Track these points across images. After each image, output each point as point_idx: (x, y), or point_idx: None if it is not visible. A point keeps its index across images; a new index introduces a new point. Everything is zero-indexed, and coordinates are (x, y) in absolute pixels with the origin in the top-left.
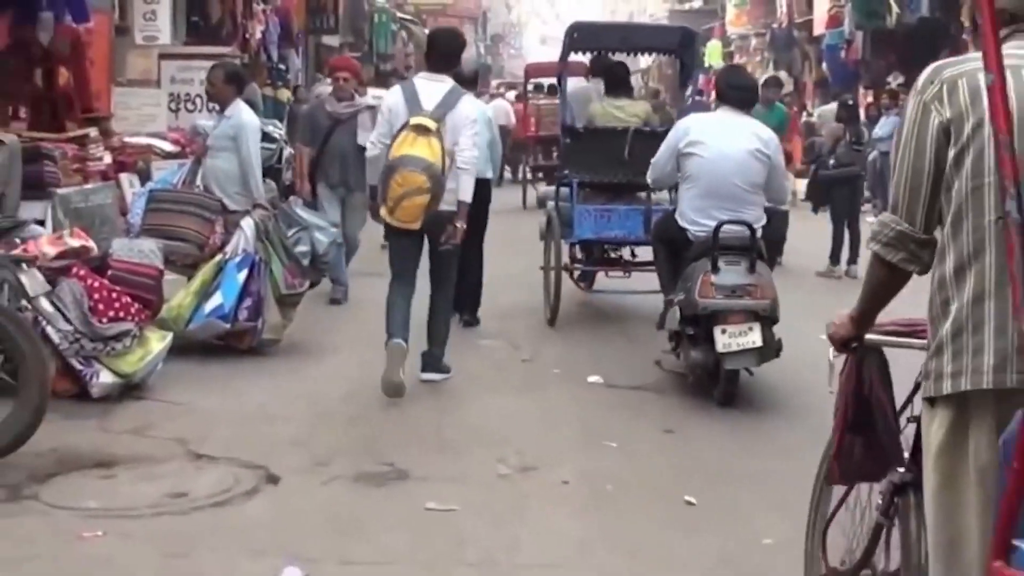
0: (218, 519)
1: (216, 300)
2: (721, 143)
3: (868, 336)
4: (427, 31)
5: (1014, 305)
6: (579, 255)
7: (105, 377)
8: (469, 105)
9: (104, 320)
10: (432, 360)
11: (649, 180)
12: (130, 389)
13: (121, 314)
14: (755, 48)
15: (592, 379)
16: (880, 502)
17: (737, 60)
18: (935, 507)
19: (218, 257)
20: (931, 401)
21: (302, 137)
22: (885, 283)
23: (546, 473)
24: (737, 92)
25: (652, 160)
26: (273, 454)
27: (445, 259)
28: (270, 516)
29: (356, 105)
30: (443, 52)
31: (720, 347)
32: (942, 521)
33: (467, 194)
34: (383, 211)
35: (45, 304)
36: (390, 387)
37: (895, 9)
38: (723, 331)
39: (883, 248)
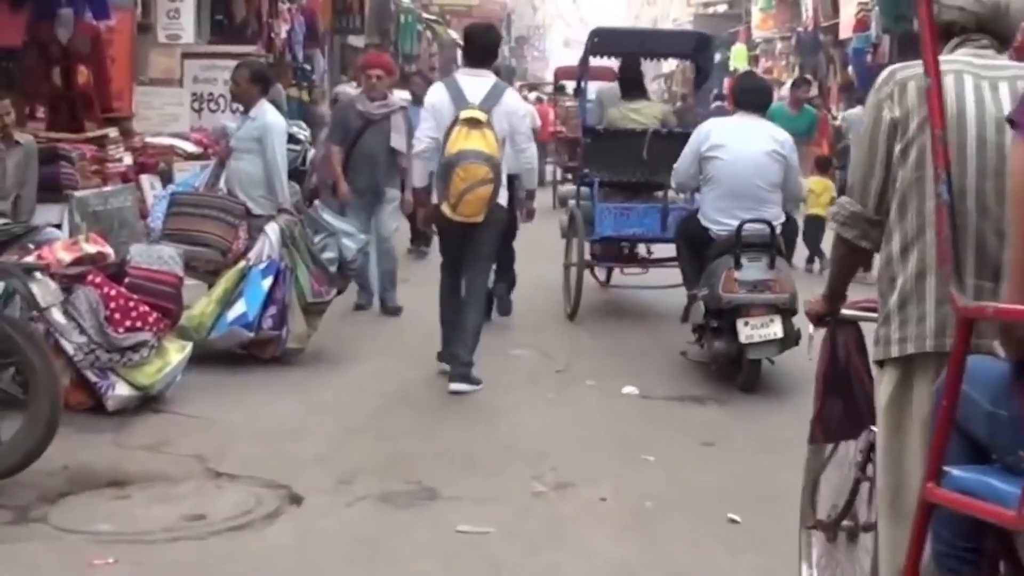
0: (237, 545)
1: (239, 308)
2: (741, 146)
3: (843, 312)
4: (450, 31)
5: (943, 272)
6: (599, 252)
7: (121, 389)
8: (515, 98)
9: (121, 330)
10: (462, 371)
11: (673, 184)
12: (147, 402)
13: (139, 324)
14: (780, 52)
15: (627, 390)
16: (858, 459)
17: (763, 64)
18: (884, 454)
19: (241, 263)
20: (880, 363)
21: (332, 137)
22: (845, 258)
23: (583, 490)
24: (751, 96)
25: (675, 166)
26: (296, 472)
27: (481, 255)
28: (292, 541)
29: (390, 105)
30: (482, 46)
31: (743, 338)
32: (890, 465)
33: (534, 183)
34: (445, 207)
35: (57, 315)
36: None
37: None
38: (746, 323)
39: (840, 227)
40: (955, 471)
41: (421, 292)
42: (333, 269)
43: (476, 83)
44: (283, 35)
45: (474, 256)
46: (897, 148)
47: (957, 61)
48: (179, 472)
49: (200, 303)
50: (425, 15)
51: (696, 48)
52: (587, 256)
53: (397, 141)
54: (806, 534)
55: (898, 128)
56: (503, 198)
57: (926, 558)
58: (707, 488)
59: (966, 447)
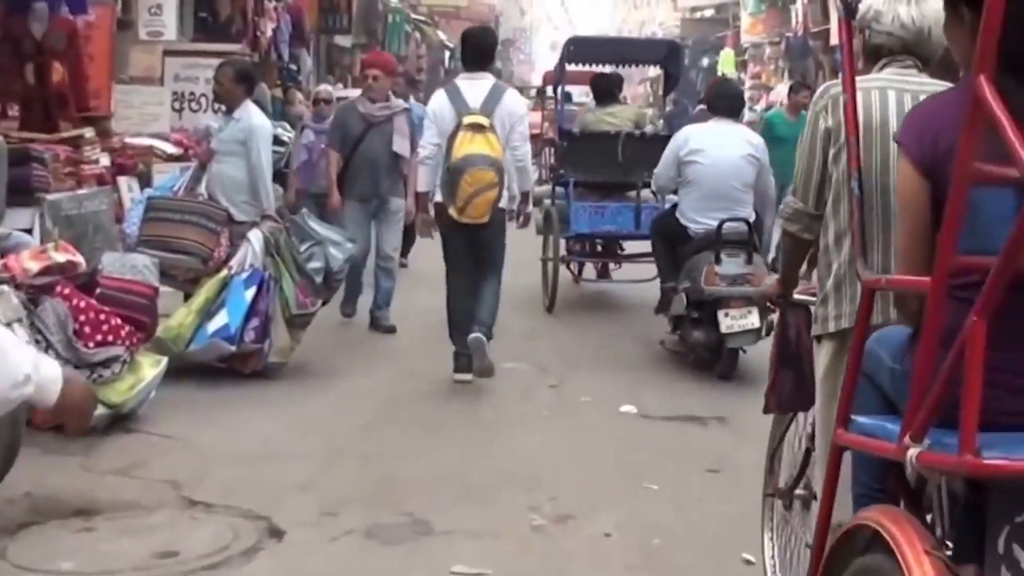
0: None
1: (221, 319)
2: (718, 150)
3: (795, 295)
4: (439, 33)
5: (855, 253)
6: (575, 248)
7: None
8: (514, 100)
9: (91, 344)
10: (484, 331)
11: (654, 187)
12: (119, 421)
13: (110, 338)
14: (769, 57)
15: (625, 408)
16: (809, 431)
17: (751, 69)
18: (821, 420)
19: (223, 272)
20: (819, 338)
21: (331, 141)
22: (791, 250)
23: (585, 523)
24: (725, 102)
25: (655, 171)
26: (277, 500)
27: (495, 250)
28: None
29: (392, 107)
30: (479, 49)
31: (724, 328)
32: (826, 430)
33: (529, 184)
34: (452, 211)
35: (20, 331)
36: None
37: None
38: (726, 314)
39: (785, 222)
40: (860, 418)
41: (407, 302)
42: (319, 279)
43: (476, 87)
44: (268, 34)
45: (487, 256)
46: (831, 153)
47: (884, 78)
48: (151, 500)
49: (179, 313)
50: (413, 15)
51: (667, 55)
52: (563, 252)
53: (400, 145)
54: (767, 502)
55: (831, 136)
56: (504, 199)
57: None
58: (716, 522)
59: (879, 399)
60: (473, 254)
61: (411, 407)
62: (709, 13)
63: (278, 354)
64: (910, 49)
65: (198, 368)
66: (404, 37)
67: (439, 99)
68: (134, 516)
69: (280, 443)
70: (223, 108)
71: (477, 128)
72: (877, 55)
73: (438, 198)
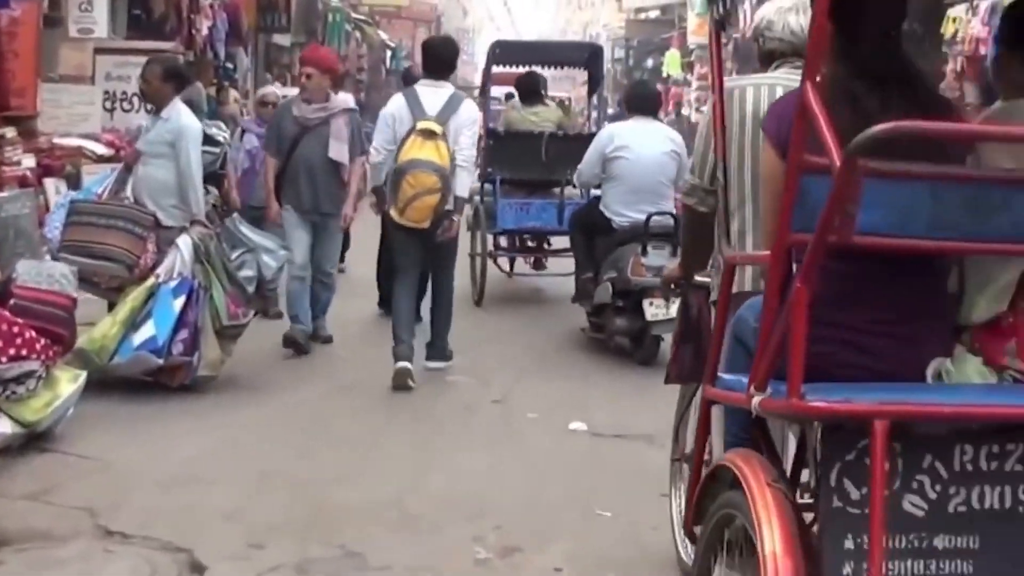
0: None
1: (147, 331)
2: (643, 147)
3: (696, 278)
4: (379, 33)
5: (720, 233)
6: (503, 243)
7: (3, 426)
8: (469, 108)
9: (3, 359)
10: (437, 350)
11: (577, 182)
12: (34, 440)
13: (24, 351)
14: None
15: (574, 426)
16: None
17: (698, 70)
18: None
19: (150, 281)
20: (714, 303)
21: (267, 146)
22: (690, 223)
23: (533, 556)
24: (644, 102)
25: (579, 166)
26: (200, 531)
27: (446, 252)
28: None
29: (329, 108)
30: (442, 59)
31: (648, 316)
32: None
33: (465, 190)
34: (393, 212)
35: None
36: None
37: None
38: (651, 303)
39: (684, 196)
40: (724, 375)
41: (344, 309)
42: (251, 288)
43: (435, 95)
44: (204, 32)
45: (439, 260)
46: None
47: (775, 77)
48: (64, 529)
49: (103, 324)
50: (354, 15)
51: (589, 58)
52: (491, 247)
53: (336, 151)
54: (674, 466)
55: (725, 124)
56: (452, 205)
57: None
58: (673, 552)
59: (747, 359)
60: (420, 257)
61: (346, 425)
62: (654, 14)
63: (208, 367)
64: (799, 52)
65: (122, 382)
66: (344, 36)
67: (398, 104)
68: (45, 547)
69: (205, 465)
70: (152, 108)
71: (428, 134)
72: (771, 58)
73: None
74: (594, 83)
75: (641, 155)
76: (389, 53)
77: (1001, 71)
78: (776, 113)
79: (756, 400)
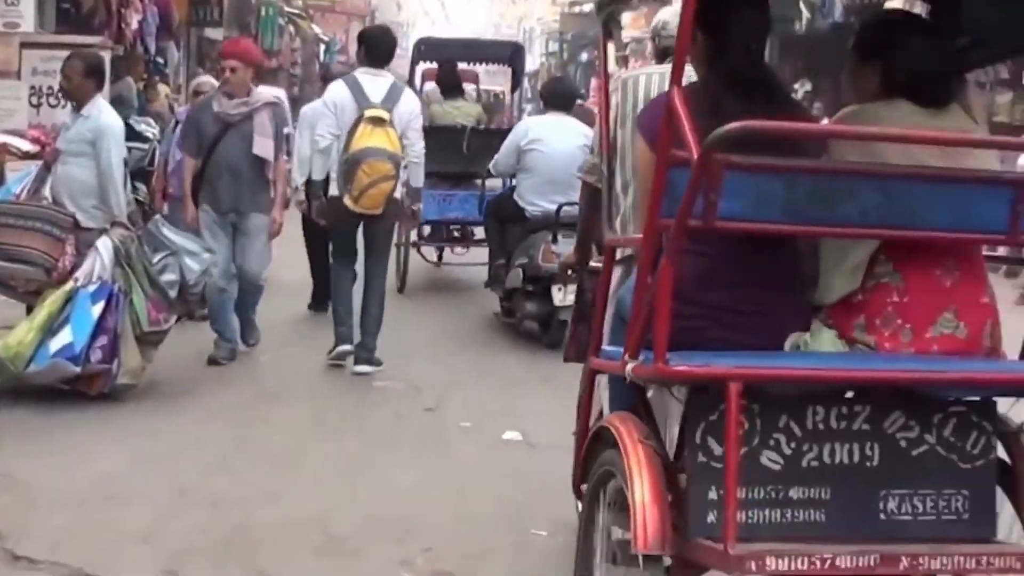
0: None
1: (64, 337)
2: (556, 141)
3: (591, 263)
4: (313, 27)
5: (603, 218)
6: (426, 234)
7: None
8: (411, 99)
9: None
10: (365, 352)
11: (493, 171)
12: None
13: None
14: (651, 52)
15: (508, 436)
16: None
17: (632, 64)
18: None
19: (68, 284)
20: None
21: (186, 145)
22: (589, 199)
23: None
24: (559, 98)
25: (496, 156)
26: (112, 555)
27: (384, 243)
28: None
29: (251, 103)
30: (381, 48)
31: (556, 301)
32: None
33: (419, 180)
34: (347, 200)
35: None
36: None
37: (806, 14)
38: (559, 289)
39: (585, 174)
40: (606, 347)
41: (268, 313)
42: (173, 293)
43: (376, 83)
44: (134, 26)
45: (376, 248)
46: (617, 121)
47: (666, 68)
48: None
49: (19, 330)
50: (287, 9)
51: (512, 55)
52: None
53: (261, 147)
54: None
55: (617, 108)
56: (399, 193)
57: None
58: None
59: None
60: (356, 246)
61: (269, 437)
62: (588, 8)
63: (127, 375)
64: None
65: (38, 390)
66: (278, 31)
67: (340, 91)
68: None
69: (121, 481)
70: (74, 104)
71: (377, 122)
72: (665, 54)
73: (334, 191)
74: (516, 79)
75: (554, 148)
76: (323, 47)
77: (854, 78)
78: (649, 110)
79: (629, 367)
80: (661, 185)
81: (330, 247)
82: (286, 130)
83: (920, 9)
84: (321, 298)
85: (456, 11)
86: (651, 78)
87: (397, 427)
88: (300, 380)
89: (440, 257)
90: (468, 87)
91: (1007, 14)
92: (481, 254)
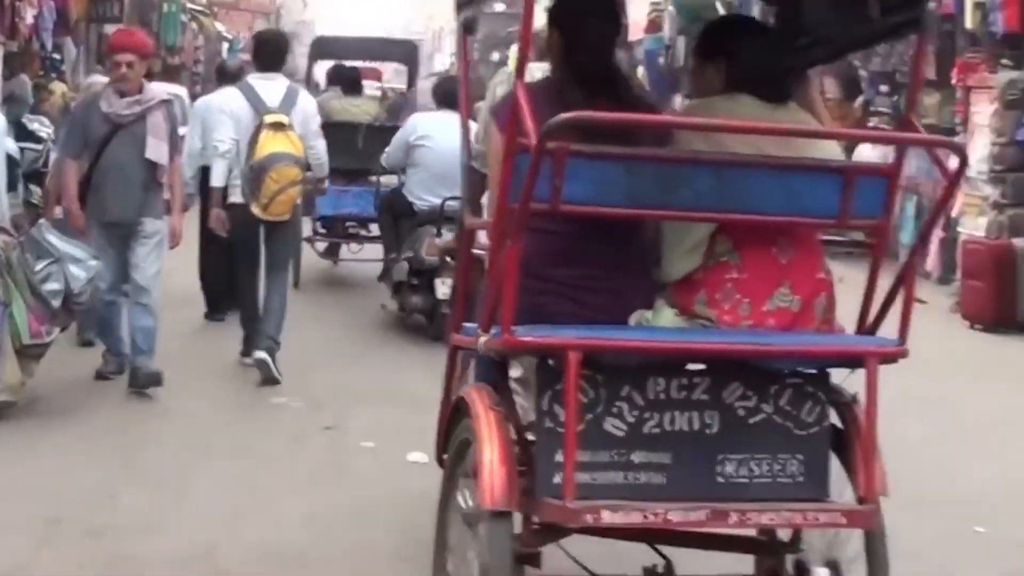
0: None
1: None
2: (443, 137)
3: (473, 251)
4: (217, 24)
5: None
6: (321, 230)
7: None
8: (308, 101)
9: None
10: (269, 344)
11: (385, 165)
12: None
13: None
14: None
15: (413, 457)
16: None
17: (542, 62)
18: None
19: None
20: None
21: (67, 146)
22: (472, 185)
23: None
24: (450, 97)
25: (387, 150)
26: None
27: (288, 246)
28: None
29: (144, 101)
30: (273, 51)
31: (439, 295)
32: None
33: (324, 172)
34: (255, 208)
35: None
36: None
37: (721, 12)
38: (442, 282)
39: (472, 160)
40: (467, 324)
41: (163, 324)
42: (56, 303)
43: (271, 87)
44: (29, 21)
45: (281, 253)
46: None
47: (530, 67)
48: None
49: None
50: (190, 5)
51: (406, 54)
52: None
53: (154, 151)
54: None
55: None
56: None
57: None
58: None
59: None
60: (265, 251)
61: (156, 459)
62: (500, 7)
63: (6, 391)
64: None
65: None
66: (180, 28)
67: (235, 99)
68: None
69: None
70: None
71: (278, 127)
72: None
73: (235, 198)
74: (411, 77)
75: (442, 145)
76: (226, 45)
77: (695, 76)
78: (503, 103)
79: (481, 340)
80: (508, 171)
81: (234, 254)
82: (181, 130)
83: (757, 12)
84: (217, 306)
85: (364, 8)
86: (533, 73)
87: (294, 448)
88: (193, 396)
89: (337, 255)
90: (374, 84)
91: (841, 15)
92: (378, 250)
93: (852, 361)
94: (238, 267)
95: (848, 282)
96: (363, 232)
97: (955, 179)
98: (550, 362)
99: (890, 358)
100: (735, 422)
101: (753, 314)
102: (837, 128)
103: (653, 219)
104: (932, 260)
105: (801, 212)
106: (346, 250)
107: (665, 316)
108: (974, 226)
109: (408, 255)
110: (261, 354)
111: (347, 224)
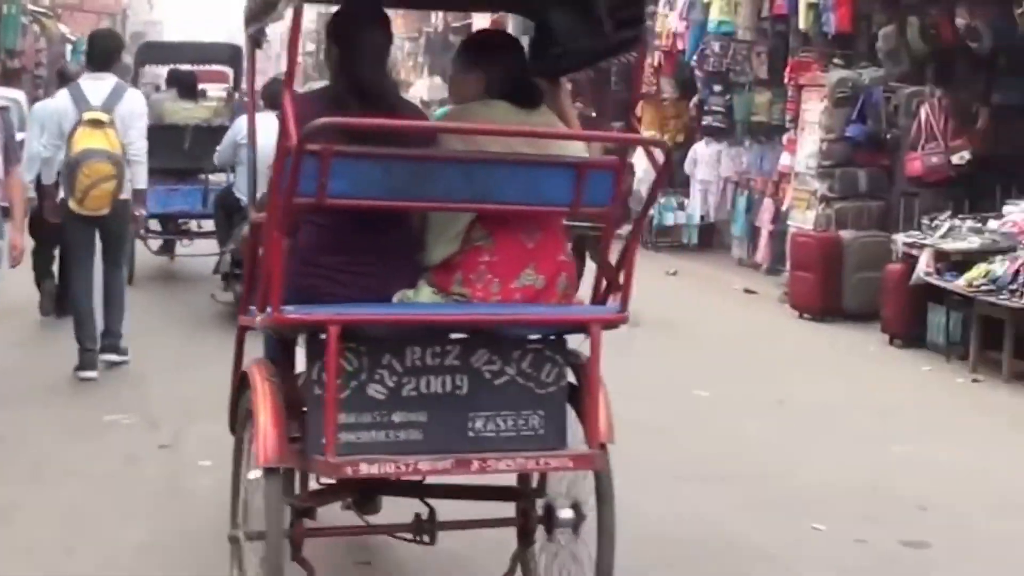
0: None
1: None
2: (269, 137)
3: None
4: (60, 26)
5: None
6: (155, 227)
7: None
8: (135, 99)
9: None
10: (113, 341)
11: (217, 162)
12: None
13: None
14: (409, 52)
15: (255, 475)
16: None
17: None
18: None
19: None
20: None
21: None
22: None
23: None
24: (277, 98)
25: (218, 148)
26: None
27: (120, 241)
28: None
29: None
30: (104, 51)
31: None
32: None
33: (142, 182)
34: (72, 203)
35: None
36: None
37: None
38: None
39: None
40: (251, 307)
41: None
42: None
43: (98, 86)
44: None
45: (112, 247)
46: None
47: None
48: None
49: None
50: (32, 7)
51: (231, 57)
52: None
53: None
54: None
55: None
56: (127, 193)
57: None
58: None
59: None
60: (94, 247)
61: None
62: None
63: None
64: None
65: None
66: (21, 30)
67: (62, 99)
68: None
69: None
70: None
71: (96, 124)
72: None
73: (62, 195)
74: (236, 80)
75: (267, 144)
76: (70, 47)
77: (456, 84)
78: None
79: (259, 319)
80: (279, 170)
81: (66, 254)
82: (19, 136)
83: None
84: (54, 304)
85: (212, 10)
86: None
87: (128, 470)
88: (20, 415)
89: (173, 251)
90: (218, 87)
91: (584, 30)
92: (212, 245)
93: (581, 328)
94: (70, 266)
95: (682, 274)
96: (194, 228)
97: (662, 171)
98: (322, 337)
99: (611, 324)
100: (483, 384)
101: (502, 291)
102: (579, 130)
103: (411, 211)
104: (762, 252)
105: (540, 202)
106: (179, 245)
107: (424, 294)
108: (803, 219)
109: (231, 248)
110: (107, 356)
111: (179, 221)
